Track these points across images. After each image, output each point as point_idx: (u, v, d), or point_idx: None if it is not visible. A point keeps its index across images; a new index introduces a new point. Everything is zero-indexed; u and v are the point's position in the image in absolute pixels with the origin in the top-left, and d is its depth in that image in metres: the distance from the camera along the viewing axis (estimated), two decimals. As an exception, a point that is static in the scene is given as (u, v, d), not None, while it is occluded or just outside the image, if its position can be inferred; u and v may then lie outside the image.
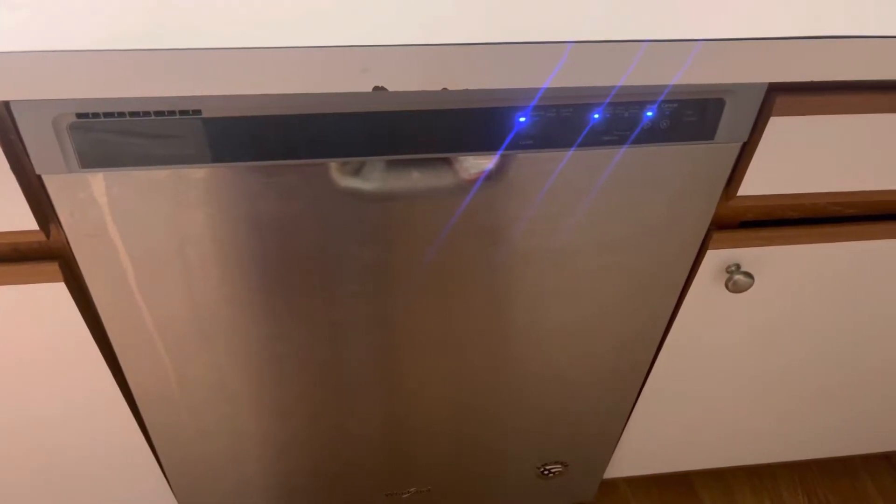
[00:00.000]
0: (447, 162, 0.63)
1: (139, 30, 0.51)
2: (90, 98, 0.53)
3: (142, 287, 0.68)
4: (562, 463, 1.06)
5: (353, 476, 1.01)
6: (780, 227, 0.75)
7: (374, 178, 0.63)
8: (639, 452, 1.10)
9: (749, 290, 0.81)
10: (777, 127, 0.64)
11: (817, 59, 0.58)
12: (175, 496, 0.99)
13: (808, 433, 1.12)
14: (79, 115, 0.54)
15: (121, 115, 0.55)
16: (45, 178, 0.58)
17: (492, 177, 0.64)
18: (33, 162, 0.56)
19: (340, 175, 0.62)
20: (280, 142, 0.59)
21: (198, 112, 0.56)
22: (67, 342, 0.72)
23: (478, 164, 0.63)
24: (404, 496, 1.07)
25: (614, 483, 1.29)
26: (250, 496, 1.01)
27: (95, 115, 0.55)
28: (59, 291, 0.67)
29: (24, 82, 0.50)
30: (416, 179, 0.64)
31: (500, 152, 0.62)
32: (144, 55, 0.50)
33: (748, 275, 0.76)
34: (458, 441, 0.98)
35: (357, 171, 0.62)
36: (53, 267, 0.65)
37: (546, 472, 1.07)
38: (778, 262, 0.78)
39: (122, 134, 0.56)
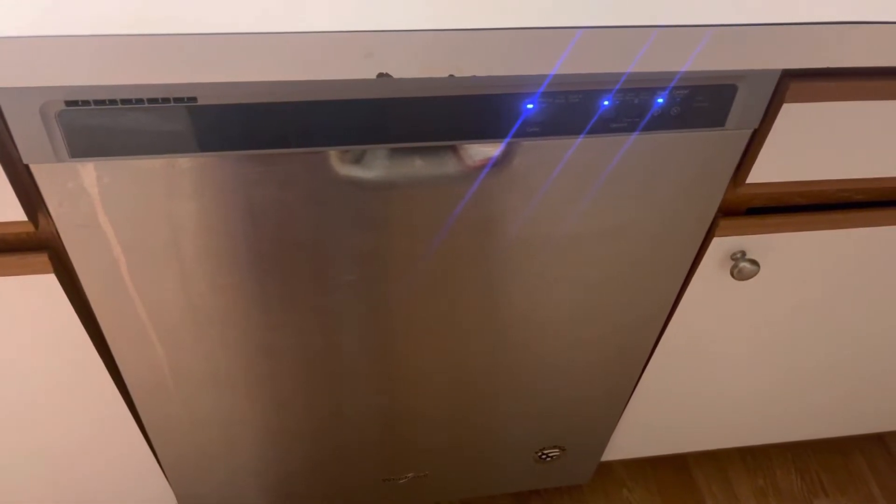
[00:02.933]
0: (452, 150, 0.61)
1: (132, 14, 0.48)
2: (80, 85, 0.50)
3: (134, 278, 0.66)
4: (560, 447, 1.05)
5: (350, 462, 1.00)
6: (787, 214, 0.74)
7: (376, 167, 0.61)
8: (635, 436, 1.10)
9: (754, 278, 0.80)
10: (790, 113, 0.63)
11: (832, 45, 0.56)
12: (170, 484, 0.98)
13: (805, 415, 1.12)
14: (68, 103, 0.52)
15: (112, 102, 0.52)
16: (32, 167, 0.56)
17: (498, 165, 0.62)
18: (20, 151, 0.54)
19: (341, 163, 0.60)
20: (279, 130, 0.56)
21: (193, 99, 0.53)
22: (58, 334, 0.70)
23: (483, 151, 0.61)
24: (401, 481, 1.07)
25: (609, 465, 1.29)
26: (246, 483, 1.00)
27: (85, 102, 0.52)
28: (48, 283, 0.65)
29: (10, 69, 0.47)
30: (419, 168, 0.62)
31: (507, 140, 0.60)
32: (137, 40, 0.48)
33: (754, 262, 0.75)
34: (456, 427, 0.97)
35: (358, 160, 0.60)
36: (43, 258, 0.63)
37: (544, 457, 1.07)
38: (783, 250, 0.77)
39: (114, 122, 0.54)
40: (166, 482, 0.98)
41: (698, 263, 0.77)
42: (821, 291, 0.85)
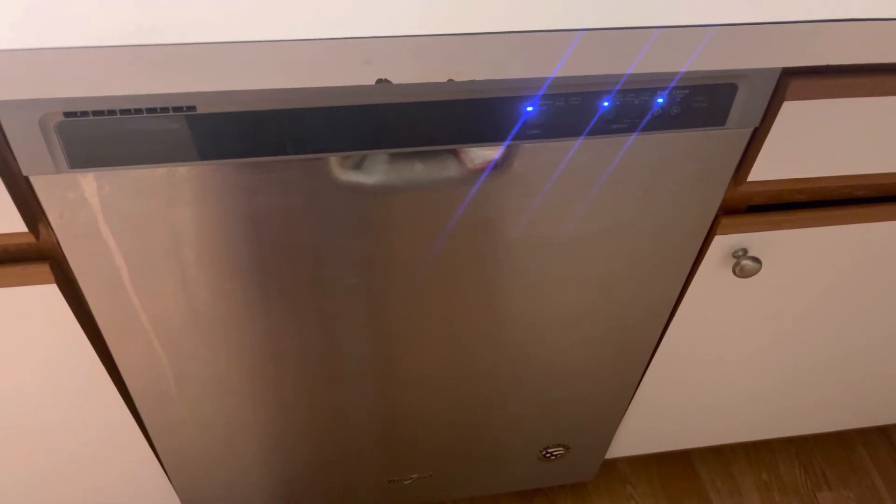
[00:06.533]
0: (452, 153, 0.61)
1: (130, 24, 0.48)
2: (78, 97, 0.50)
3: (136, 286, 0.66)
4: (564, 446, 1.06)
5: (354, 463, 1.00)
6: (787, 211, 0.74)
7: (376, 172, 0.61)
8: (639, 433, 1.10)
9: (756, 275, 0.80)
10: (790, 111, 0.63)
11: (831, 42, 0.56)
12: (175, 488, 0.98)
13: (807, 409, 1.12)
14: (66, 115, 0.52)
15: (111, 113, 0.52)
16: (32, 179, 0.55)
17: (498, 167, 0.62)
18: (20, 163, 0.54)
19: (341, 169, 0.60)
20: (279, 137, 0.56)
21: (192, 108, 0.53)
22: (61, 343, 0.70)
23: (484, 155, 0.61)
24: (406, 482, 1.07)
25: (613, 462, 1.29)
26: (250, 485, 1.00)
27: (84, 113, 0.52)
28: (50, 292, 0.65)
29: (9, 81, 0.47)
30: (419, 172, 0.61)
31: (507, 143, 0.60)
32: (136, 51, 0.47)
33: (755, 259, 0.74)
34: (460, 428, 0.97)
35: (359, 165, 0.60)
36: (44, 268, 0.63)
37: (548, 455, 1.07)
38: (785, 246, 0.77)
39: (113, 132, 0.53)
40: (170, 486, 0.98)
41: (700, 261, 0.77)
42: (823, 287, 0.85)
